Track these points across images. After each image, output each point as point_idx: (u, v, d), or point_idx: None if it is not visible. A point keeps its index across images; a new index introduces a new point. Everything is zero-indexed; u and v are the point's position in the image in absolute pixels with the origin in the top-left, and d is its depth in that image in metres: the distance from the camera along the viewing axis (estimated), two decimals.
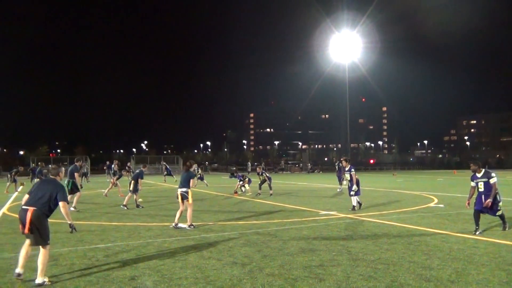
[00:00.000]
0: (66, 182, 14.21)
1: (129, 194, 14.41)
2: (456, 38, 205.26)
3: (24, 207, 5.59)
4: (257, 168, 20.24)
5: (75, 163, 14.42)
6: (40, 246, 5.52)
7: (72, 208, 13.75)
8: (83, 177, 28.73)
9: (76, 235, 9.02)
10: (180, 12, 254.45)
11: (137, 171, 15.06)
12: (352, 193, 13.04)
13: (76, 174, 14.02)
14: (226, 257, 6.88)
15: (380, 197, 18.25)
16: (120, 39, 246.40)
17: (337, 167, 23.78)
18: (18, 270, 5.55)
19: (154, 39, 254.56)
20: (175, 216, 10.14)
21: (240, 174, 20.96)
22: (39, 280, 5.37)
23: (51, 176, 6.10)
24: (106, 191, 19.38)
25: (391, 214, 12.33)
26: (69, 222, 5.80)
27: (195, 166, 29.31)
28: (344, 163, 13.90)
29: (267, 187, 18.96)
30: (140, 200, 15.00)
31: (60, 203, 5.67)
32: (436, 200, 16.17)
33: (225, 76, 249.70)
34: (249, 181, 20.34)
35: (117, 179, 19.77)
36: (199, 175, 26.77)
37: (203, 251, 7.31)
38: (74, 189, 13.85)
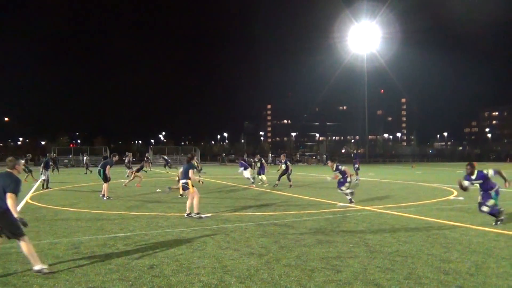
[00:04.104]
0: (97, 170, 14.80)
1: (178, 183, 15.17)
2: (478, 28, 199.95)
3: None
4: (281, 156, 20.61)
5: (112, 158, 15.27)
6: (16, 240, 5.43)
7: (105, 198, 14.04)
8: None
9: (97, 224, 9.23)
10: (200, 3, 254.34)
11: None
12: (344, 188, 12.55)
13: (107, 167, 14.49)
14: (243, 247, 6.93)
15: (398, 189, 18.08)
16: (139, 30, 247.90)
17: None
18: None
19: (172, 31, 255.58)
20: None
21: (242, 161, 20.85)
22: (37, 267, 5.38)
23: (7, 169, 5.72)
24: (126, 181, 19.76)
25: (409, 206, 12.22)
26: (15, 216, 5.41)
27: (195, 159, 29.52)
28: (329, 163, 13.06)
29: (285, 179, 18.97)
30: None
31: (7, 194, 5.37)
32: (455, 193, 15.93)
33: (242, 68, 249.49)
34: (262, 169, 20.02)
35: (138, 170, 20.13)
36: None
37: (221, 241, 7.37)
38: (103, 179, 14.42)
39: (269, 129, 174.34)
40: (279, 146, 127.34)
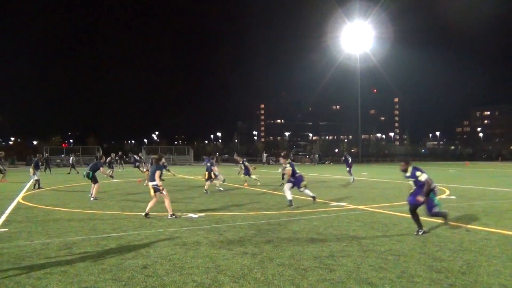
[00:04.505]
0: (85, 173, 14.66)
1: (207, 182, 16.23)
2: (470, 28, 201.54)
3: None
4: (282, 154, 20.33)
5: (100, 160, 15.65)
6: None
7: (91, 199, 13.99)
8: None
9: (89, 224, 9.18)
10: (194, 2, 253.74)
11: (208, 163, 17.13)
12: (301, 188, 12.16)
13: (101, 168, 14.84)
14: (236, 247, 6.93)
15: (391, 188, 18.16)
16: (132, 30, 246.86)
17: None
18: None
19: (166, 31, 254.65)
20: (185, 206, 10.22)
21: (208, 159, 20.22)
22: None
23: None
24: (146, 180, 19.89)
25: (402, 205, 12.26)
26: None
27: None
28: (282, 160, 12.65)
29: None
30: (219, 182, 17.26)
31: None
32: (447, 192, 16.05)
33: (236, 67, 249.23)
34: (247, 171, 19.90)
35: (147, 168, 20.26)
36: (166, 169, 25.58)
37: (214, 241, 7.37)
38: (93, 179, 14.50)
39: (262, 128, 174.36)
40: (273, 145, 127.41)
